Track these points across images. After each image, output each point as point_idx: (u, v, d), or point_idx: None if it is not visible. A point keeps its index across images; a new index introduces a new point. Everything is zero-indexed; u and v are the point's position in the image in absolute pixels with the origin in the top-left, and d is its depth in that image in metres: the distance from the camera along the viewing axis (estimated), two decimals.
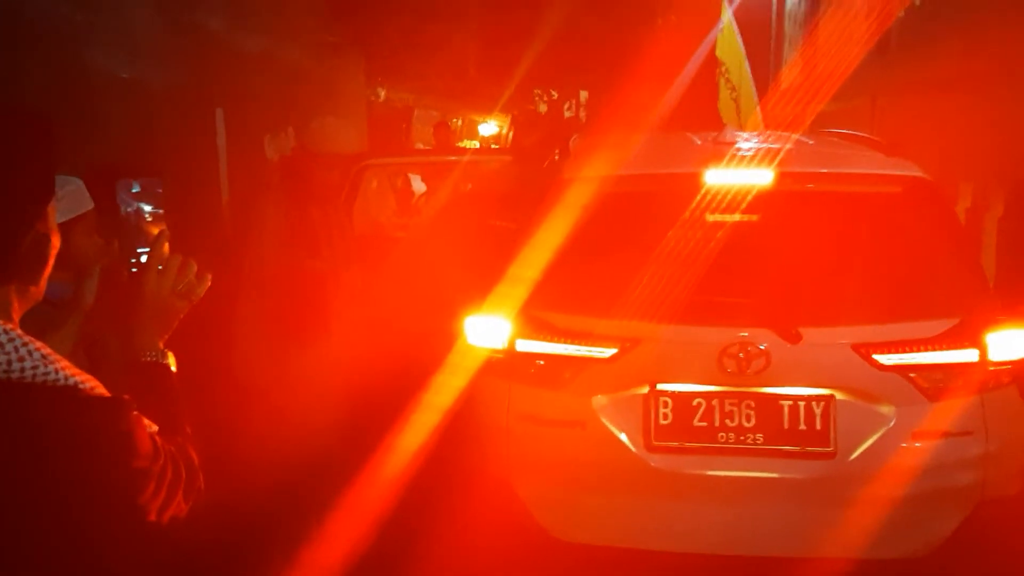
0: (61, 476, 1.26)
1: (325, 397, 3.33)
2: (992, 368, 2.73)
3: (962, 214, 5.83)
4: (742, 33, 6.79)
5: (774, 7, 13.14)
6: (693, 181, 2.89)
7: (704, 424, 2.79)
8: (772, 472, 2.77)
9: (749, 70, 6.77)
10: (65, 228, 2.24)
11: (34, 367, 1.27)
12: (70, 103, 4.42)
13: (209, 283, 1.63)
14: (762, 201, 2.86)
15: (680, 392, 2.80)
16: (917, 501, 2.72)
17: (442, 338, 3.02)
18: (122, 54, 4.96)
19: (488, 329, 2.93)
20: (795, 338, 2.72)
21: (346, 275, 3.56)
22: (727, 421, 2.79)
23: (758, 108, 6.71)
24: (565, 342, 2.85)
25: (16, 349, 1.26)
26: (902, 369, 2.71)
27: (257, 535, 3.14)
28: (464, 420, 2.95)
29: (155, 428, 1.43)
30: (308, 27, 8.14)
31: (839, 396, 2.74)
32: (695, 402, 2.80)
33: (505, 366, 2.91)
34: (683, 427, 2.80)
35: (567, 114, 20.56)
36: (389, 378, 3.31)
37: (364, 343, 3.38)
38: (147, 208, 1.32)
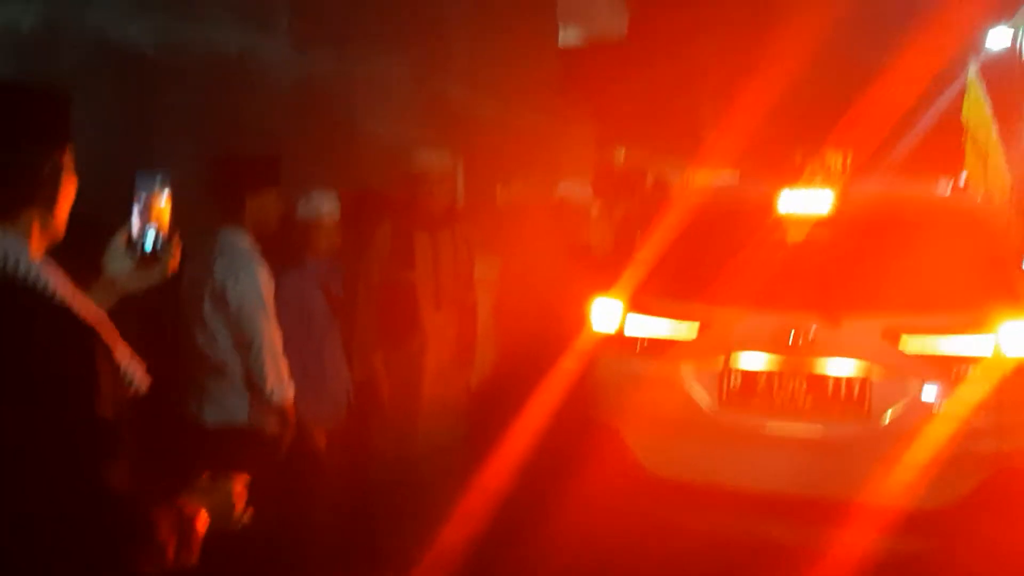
0: (17, 372, 1.35)
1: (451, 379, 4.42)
2: (1005, 355, 3.32)
3: None
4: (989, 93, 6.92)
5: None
6: (765, 200, 3.75)
7: (766, 389, 3.60)
8: (819, 430, 3.52)
9: (997, 134, 6.93)
10: (309, 225, 3.59)
11: (35, 276, 1.44)
12: (340, 158, 5.86)
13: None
14: (818, 216, 3.66)
15: (748, 362, 3.63)
16: (938, 461, 3.34)
17: (574, 318, 4.04)
18: (383, 116, 6.44)
19: (607, 310, 3.92)
20: (836, 322, 3.48)
21: (449, 285, 4.39)
22: (784, 388, 3.57)
23: (1007, 173, 6.81)
24: (662, 319, 3.79)
25: (18, 255, 1.44)
26: (924, 351, 3.39)
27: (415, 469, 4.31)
28: (586, 380, 3.95)
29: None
30: (542, 94, 9.52)
31: (875, 371, 3.45)
32: (759, 372, 3.61)
33: (618, 338, 3.88)
34: (749, 391, 3.62)
35: None
36: (533, 347, 4.34)
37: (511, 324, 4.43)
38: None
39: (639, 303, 3.85)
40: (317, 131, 5.48)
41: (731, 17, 13.91)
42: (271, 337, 3.22)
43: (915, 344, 3.39)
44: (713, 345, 3.68)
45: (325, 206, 3.74)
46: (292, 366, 3.37)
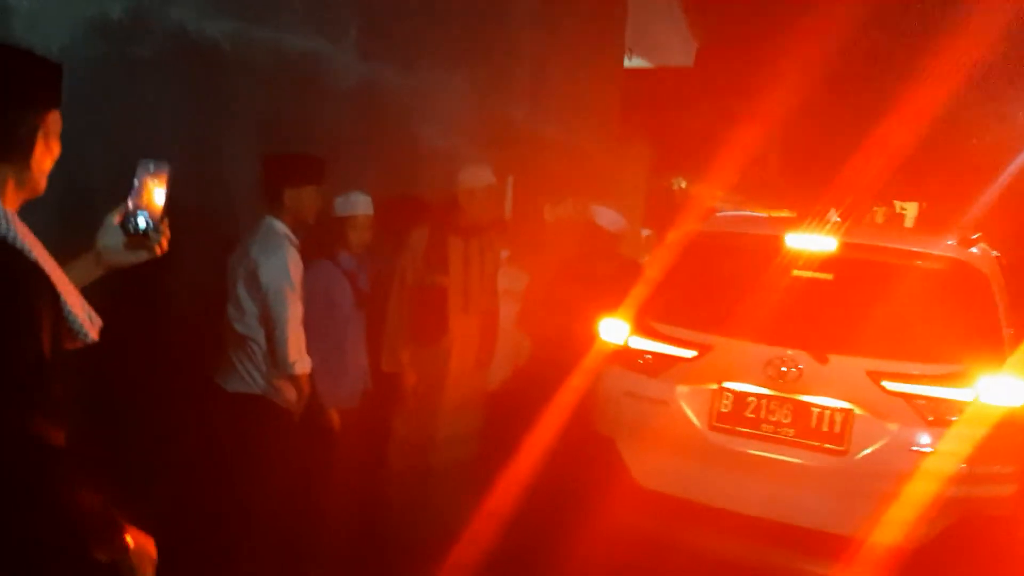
0: None
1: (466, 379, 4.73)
2: (983, 407, 3.47)
3: None
4: None
5: None
6: (772, 240, 3.95)
7: (753, 416, 3.79)
8: (798, 459, 3.70)
9: None
10: (343, 221, 3.90)
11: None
12: (394, 163, 6.18)
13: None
14: (820, 260, 3.85)
15: (738, 390, 3.83)
16: (910, 502, 3.50)
17: (584, 335, 4.29)
18: (441, 128, 6.75)
19: (614, 329, 4.16)
20: (824, 360, 3.67)
21: (477, 290, 4.72)
22: (770, 416, 3.77)
23: None
24: (662, 343, 4.01)
25: None
26: (904, 396, 3.55)
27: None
28: (589, 393, 4.18)
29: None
30: (601, 119, 9.78)
31: (856, 409, 3.62)
32: (748, 399, 3.81)
33: (621, 356, 4.12)
34: (737, 416, 3.82)
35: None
36: (556, 357, 4.59)
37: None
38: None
39: (643, 324, 4.09)
40: (374, 136, 5.79)
41: (804, 61, 13.99)
42: (295, 312, 3.52)
43: (897, 388, 3.55)
44: (708, 370, 3.89)
45: (360, 205, 4.06)
46: (314, 350, 3.67)
